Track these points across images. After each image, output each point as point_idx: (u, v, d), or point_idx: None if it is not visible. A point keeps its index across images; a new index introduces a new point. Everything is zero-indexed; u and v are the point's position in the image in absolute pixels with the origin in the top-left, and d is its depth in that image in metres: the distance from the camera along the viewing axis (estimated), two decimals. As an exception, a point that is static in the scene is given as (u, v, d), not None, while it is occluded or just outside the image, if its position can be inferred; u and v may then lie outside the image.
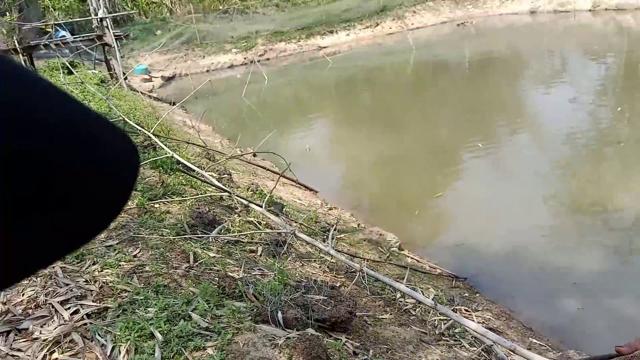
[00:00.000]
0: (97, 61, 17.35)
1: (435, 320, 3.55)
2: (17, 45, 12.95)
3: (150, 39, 22.70)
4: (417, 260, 5.15)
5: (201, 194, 5.15)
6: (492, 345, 3.14)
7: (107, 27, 14.99)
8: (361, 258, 4.59)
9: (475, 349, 3.18)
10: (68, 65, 12.56)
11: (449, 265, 5.11)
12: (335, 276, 4.02)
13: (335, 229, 4.82)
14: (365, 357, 2.83)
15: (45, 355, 2.61)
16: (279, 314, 2.83)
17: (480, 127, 9.54)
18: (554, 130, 8.59)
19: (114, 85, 12.75)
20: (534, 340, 3.68)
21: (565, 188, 6.59)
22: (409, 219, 6.27)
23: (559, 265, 4.67)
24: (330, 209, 6.68)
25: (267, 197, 4.98)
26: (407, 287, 3.63)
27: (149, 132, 6.33)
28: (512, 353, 3.22)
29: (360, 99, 14.41)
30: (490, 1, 23.75)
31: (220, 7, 24.67)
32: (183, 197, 4.78)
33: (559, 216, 5.85)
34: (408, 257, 5.19)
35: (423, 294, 3.76)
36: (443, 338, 3.30)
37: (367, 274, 3.80)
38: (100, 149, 0.42)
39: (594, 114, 9.17)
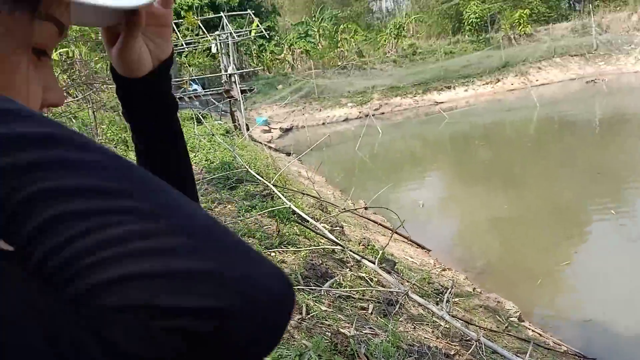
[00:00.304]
0: (222, 112, 18.74)
1: (562, 406, 3.20)
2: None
3: (272, 93, 24.18)
4: (540, 334, 4.73)
5: (314, 245, 5.22)
6: None
7: (234, 82, 16.23)
8: (477, 326, 4.32)
9: None
10: (200, 116, 13.70)
11: (575, 342, 4.63)
12: (449, 343, 3.80)
13: (450, 293, 4.61)
14: None
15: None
16: (390, 380, 2.72)
17: (612, 191, 8.78)
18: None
19: (238, 135, 13.64)
20: None
21: None
22: (531, 287, 5.82)
23: None
24: (444, 269, 6.43)
25: (379, 254, 4.92)
26: (531, 364, 3.33)
27: (269, 182, 6.62)
28: None
29: (477, 155, 14.00)
30: (624, 58, 22.28)
31: (339, 63, 25.72)
32: (297, 247, 4.87)
33: None
34: (529, 329, 4.79)
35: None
36: None
37: (484, 344, 3.55)
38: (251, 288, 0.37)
39: None
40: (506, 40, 25.22)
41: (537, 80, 22.20)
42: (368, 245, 5.86)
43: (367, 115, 20.52)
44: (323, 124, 21.82)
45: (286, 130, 21.01)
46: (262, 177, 7.28)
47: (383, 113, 22.21)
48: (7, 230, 0.36)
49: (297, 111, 22.68)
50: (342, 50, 28.04)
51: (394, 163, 14.61)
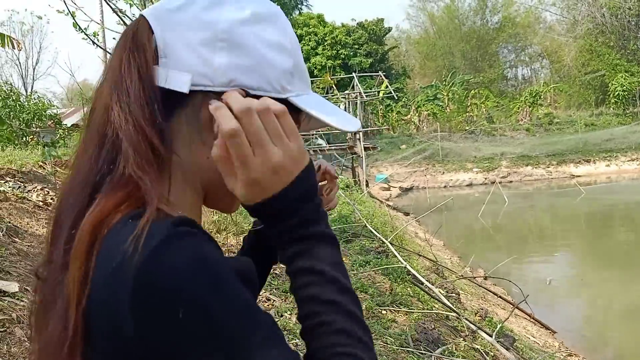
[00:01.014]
0: (344, 167, 19.15)
1: None
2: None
3: (395, 152, 24.32)
4: None
5: (427, 309, 5.00)
6: None
7: (358, 139, 16.60)
8: None
9: None
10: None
11: None
12: None
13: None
14: None
15: None
16: None
17: None
18: None
19: (357, 190, 13.79)
20: None
21: None
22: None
23: None
24: (570, 354, 5.79)
25: (498, 327, 4.56)
26: None
27: (386, 239, 6.55)
28: None
29: (616, 235, 12.70)
30: None
31: (467, 128, 25.28)
32: (410, 308, 4.69)
33: None
34: None
35: None
36: None
37: None
38: None
39: None
40: (656, 115, 23.16)
41: (691, 160, 19.97)
42: (485, 316, 5.48)
43: (494, 182, 19.73)
44: (445, 186, 21.36)
45: (406, 190, 20.86)
46: (379, 233, 7.22)
47: (511, 182, 21.22)
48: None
49: (419, 172, 22.50)
50: (470, 115, 27.61)
51: (519, 235, 13.75)
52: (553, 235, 13.59)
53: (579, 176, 19.89)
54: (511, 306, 7.11)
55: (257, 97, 0.65)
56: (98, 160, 0.64)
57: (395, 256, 6.16)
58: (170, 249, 0.54)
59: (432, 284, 5.94)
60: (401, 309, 4.55)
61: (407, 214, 14.68)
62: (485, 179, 21.27)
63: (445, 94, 28.68)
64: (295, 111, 0.70)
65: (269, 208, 0.64)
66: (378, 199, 15.82)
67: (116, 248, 0.55)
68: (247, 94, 0.66)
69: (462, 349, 4.40)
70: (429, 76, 37.64)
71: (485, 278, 8.76)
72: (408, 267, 5.63)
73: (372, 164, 22.84)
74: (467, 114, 27.82)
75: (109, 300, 0.55)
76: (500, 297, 7.13)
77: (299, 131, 0.70)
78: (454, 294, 6.09)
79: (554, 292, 8.61)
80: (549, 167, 21.20)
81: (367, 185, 16.61)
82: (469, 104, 28.40)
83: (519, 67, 46.88)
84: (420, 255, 7.47)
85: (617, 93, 24.34)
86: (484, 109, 28.07)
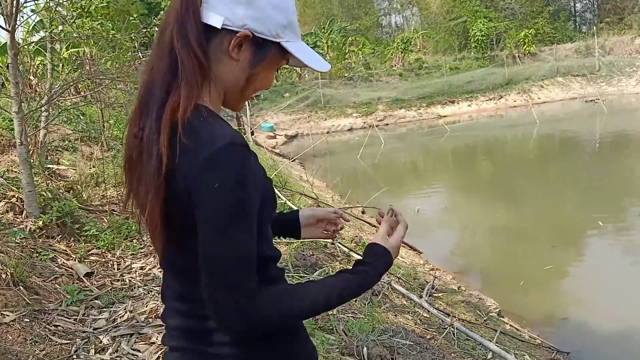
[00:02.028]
0: (229, 117, 19.07)
1: (524, 385, 3.46)
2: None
3: (278, 100, 24.53)
4: (517, 329, 4.98)
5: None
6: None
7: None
8: (454, 316, 4.59)
9: (563, 417, 3.06)
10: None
11: (550, 337, 4.88)
12: (426, 329, 4.07)
13: (431, 285, 4.89)
14: (444, 403, 2.87)
15: (159, 357, 3.02)
16: (364, 350, 3.00)
17: (606, 206, 9.02)
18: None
19: (243, 139, 13.91)
20: None
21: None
22: (514, 288, 6.08)
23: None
24: (432, 269, 6.69)
25: (368, 247, 5.19)
26: (497, 346, 3.60)
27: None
28: None
29: (477, 168, 14.28)
30: (626, 80, 22.59)
31: (346, 75, 26.11)
32: (290, 240, 5.16)
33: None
34: (507, 324, 5.05)
35: (517, 358, 3.68)
36: (530, 403, 3.22)
37: (457, 329, 3.82)
38: None
39: None
40: (510, 58, 25.60)
41: (539, 98, 22.53)
42: (359, 242, 6.14)
43: (372, 126, 20.83)
44: (328, 132, 22.15)
45: (291, 137, 21.35)
46: (263, 176, 7.57)
47: (387, 124, 22.55)
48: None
49: (302, 119, 23.04)
50: (349, 62, 28.47)
51: (394, 172, 14.90)
52: (424, 171, 14.91)
53: (445, 116, 21.70)
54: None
55: (261, 38, 1.05)
56: (168, 70, 1.02)
57: (278, 195, 6.60)
58: (232, 150, 0.95)
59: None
60: (282, 240, 5.00)
61: (292, 159, 15.18)
62: (364, 123, 22.36)
63: (324, 41, 29.18)
64: (285, 52, 1.09)
65: (376, 254, 1.18)
66: (264, 147, 16.12)
67: (198, 137, 0.97)
68: (253, 35, 1.04)
69: (337, 270, 4.99)
70: (308, 24, 37.82)
71: (364, 212, 9.58)
72: (289, 203, 6.09)
73: (257, 114, 22.93)
74: (346, 60, 28.65)
75: (187, 167, 0.96)
76: (374, 226, 7.89)
77: (286, 67, 1.20)
78: (332, 226, 6.68)
79: (423, 220, 9.66)
80: (419, 109, 22.79)
81: (252, 134, 16.79)
82: (347, 51, 29.20)
83: (392, 14, 48.72)
84: (302, 194, 7.99)
85: (476, 38, 26.46)
86: (361, 56, 29.07)
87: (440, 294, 5.34)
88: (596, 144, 15.09)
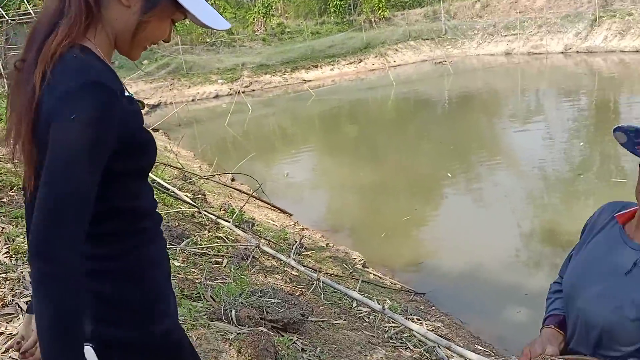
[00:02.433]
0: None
1: (386, 326, 3.76)
2: (2, 70, 13.17)
3: (137, 68, 23.02)
4: (380, 277, 5.36)
5: (173, 210, 5.35)
6: (434, 346, 3.35)
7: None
8: (323, 272, 4.80)
9: (418, 349, 3.38)
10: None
11: (409, 281, 5.33)
12: (295, 286, 4.21)
13: (299, 244, 5.04)
14: (313, 353, 3.02)
15: (8, 349, 2.77)
16: (233, 313, 3.03)
17: (455, 159, 9.91)
18: (522, 163, 9.01)
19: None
20: (479, 347, 3.89)
21: (523, 214, 6.88)
22: (376, 240, 6.51)
23: (512, 283, 4.92)
24: (302, 229, 6.90)
25: (235, 214, 5.19)
26: (360, 294, 3.85)
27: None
28: (453, 355, 3.43)
29: (342, 130, 14.81)
30: (469, 42, 24.68)
31: (208, 40, 25.26)
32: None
33: (516, 239, 6.13)
34: (371, 274, 5.40)
35: (379, 303, 3.97)
36: (390, 341, 3.51)
37: (324, 282, 4.01)
38: None
39: (561, 149, 9.58)
40: (367, 23, 26.57)
41: (394, 61, 23.79)
42: (228, 209, 6.11)
43: (238, 92, 20.52)
44: (193, 100, 21.42)
45: (153, 107, 20.29)
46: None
47: (254, 90, 22.36)
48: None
49: (164, 87, 21.97)
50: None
51: (263, 138, 14.92)
52: (292, 135, 15.12)
53: (310, 81, 22.04)
54: (259, 200, 7.99)
55: None
56: (57, 9, 1.07)
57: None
58: (94, 88, 1.01)
59: (180, 189, 6.29)
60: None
61: (155, 130, 14.47)
62: (230, 89, 21.95)
63: (182, 5, 27.73)
64: (178, 4, 1.13)
65: None
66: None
67: (66, 72, 1.01)
68: None
69: (206, 239, 4.93)
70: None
71: (233, 180, 9.52)
72: (152, 175, 5.84)
73: (113, 83, 21.31)
74: (207, 25, 27.55)
75: (49, 99, 1.01)
76: (244, 192, 7.89)
77: (184, 22, 1.23)
78: (200, 195, 6.56)
79: (292, 183, 9.86)
80: (284, 74, 22.89)
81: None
82: (207, 15, 28.06)
83: (252, -23, 47.69)
84: (167, 165, 7.71)
85: (335, 2, 27.04)
86: (222, 20, 28.11)
87: (309, 252, 5.54)
88: (445, 103, 16.40)
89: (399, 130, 13.41)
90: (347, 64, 23.62)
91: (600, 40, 20.31)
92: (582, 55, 20.30)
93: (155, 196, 1.34)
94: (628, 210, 1.44)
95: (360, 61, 23.71)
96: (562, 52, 21.15)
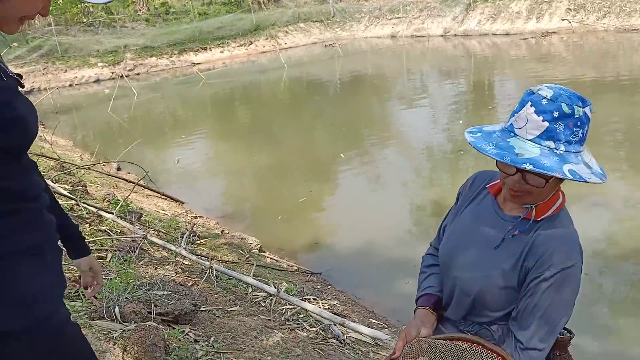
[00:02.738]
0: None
1: (283, 309, 3.73)
2: None
3: (5, 51, 20.89)
4: (276, 260, 5.32)
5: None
6: (330, 324, 3.38)
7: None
8: (217, 260, 4.66)
9: (314, 329, 3.39)
10: None
11: (306, 263, 5.35)
12: (188, 276, 4.04)
13: (190, 232, 4.85)
14: (206, 342, 2.90)
15: None
16: (116, 309, 2.82)
17: (349, 140, 10.10)
18: (411, 142, 9.42)
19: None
20: (374, 321, 4.00)
21: (413, 191, 7.21)
22: (273, 224, 6.46)
23: (403, 256, 5.11)
24: (195, 217, 6.66)
25: (119, 205, 4.86)
26: (255, 280, 3.78)
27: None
28: (348, 331, 3.49)
29: (236, 114, 14.52)
30: (357, 25, 25.25)
31: (84, 20, 23.47)
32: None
33: (407, 214, 6.40)
34: (268, 257, 5.35)
35: (275, 287, 3.92)
36: (287, 323, 3.48)
37: (217, 270, 3.89)
38: None
39: (444, 128, 10.13)
40: (256, 4, 26.21)
41: (285, 44, 23.74)
42: (112, 200, 5.72)
43: (121, 76, 19.36)
44: (70, 85, 19.88)
45: (26, 93, 18.51)
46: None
47: (139, 74, 21.21)
48: None
49: (37, 72, 20.13)
50: (87, 6, 25.54)
51: (152, 124, 14.22)
52: (184, 120, 14.54)
53: (199, 63, 21.35)
54: (147, 189, 7.58)
55: None
56: None
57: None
58: None
59: (55, 182, 5.78)
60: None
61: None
62: (113, 73, 20.65)
63: (53, -19, 25.49)
64: None
65: None
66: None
67: None
68: None
69: (87, 232, 4.57)
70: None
71: (119, 168, 8.95)
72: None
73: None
74: (83, 4, 25.64)
75: None
76: (130, 181, 7.45)
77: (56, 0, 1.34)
78: (80, 187, 6.08)
79: (183, 169, 9.49)
80: (171, 57, 21.94)
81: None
82: (83, -7, 26.11)
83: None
84: (41, 156, 7.05)
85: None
86: (100, -1, 26.25)
87: (203, 240, 5.36)
88: (337, 85, 16.66)
89: (292, 113, 13.42)
90: (238, 46, 23.17)
91: (475, 23, 21.74)
92: (460, 38, 21.61)
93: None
94: (497, 181, 1.49)
95: (251, 43, 23.37)
96: (442, 35, 22.36)
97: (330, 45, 22.98)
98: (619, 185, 6.42)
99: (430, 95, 13.44)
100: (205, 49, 22.55)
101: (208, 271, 3.84)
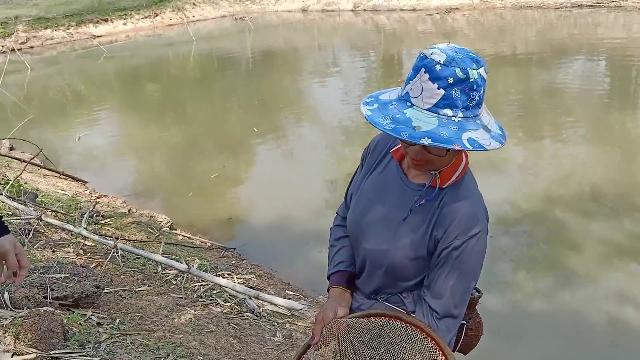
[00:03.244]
0: None
1: (195, 285, 3.61)
2: None
3: None
4: (189, 237, 5.16)
5: None
6: (244, 298, 3.31)
7: None
8: (125, 239, 4.42)
9: (228, 304, 3.32)
10: None
11: (220, 238, 5.23)
12: (90, 258, 3.80)
13: (92, 212, 4.56)
14: (111, 325, 2.74)
15: None
16: (6, 295, 2.58)
17: (262, 115, 9.93)
18: (324, 116, 9.44)
19: None
20: (290, 292, 3.99)
21: (326, 164, 7.24)
22: (184, 200, 6.24)
23: (317, 228, 5.11)
24: (100, 197, 6.29)
25: (8, 185, 4.46)
26: (164, 257, 3.62)
27: None
28: (264, 303, 3.45)
29: (143, 89, 13.79)
30: (267, -2, 24.81)
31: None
32: None
33: (321, 187, 6.42)
34: (179, 235, 5.17)
35: (188, 264, 3.78)
36: (200, 300, 3.38)
37: (123, 250, 3.68)
38: None
39: (356, 102, 10.23)
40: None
41: (193, 16, 22.82)
42: (3, 180, 5.24)
43: (12, 50, 17.76)
44: (-48, 60, 17.91)
45: None
46: None
47: (32, 47, 19.54)
48: None
49: None
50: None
51: (49, 100, 13.19)
52: (86, 96, 13.62)
53: (100, 36, 20.02)
54: (45, 168, 7.03)
55: None
56: None
57: None
58: None
59: None
60: None
61: None
62: (3, 46, 18.88)
63: None
64: None
65: None
66: None
67: None
68: None
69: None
70: None
71: (12, 148, 8.24)
72: None
73: None
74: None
75: None
76: (24, 161, 6.86)
77: None
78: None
79: (85, 147, 8.91)
80: (69, 29, 20.36)
81: None
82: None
83: None
84: None
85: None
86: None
87: (108, 220, 5.07)
88: (249, 60, 16.31)
89: (203, 88, 12.98)
90: (142, 19, 21.94)
91: (384, -1, 22.10)
92: (369, 13, 21.88)
93: None
94: (400, 145, 1.46)
95: (156, 15, 22.21)
96: (352, 10, 22.51)
97: (240, 18, 22.41)
98: (516, 152, 6.84)
99: (341, 69, 13.52)
100: (106, 20, 21.14)
101: (112, 251, 3.62)
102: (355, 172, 1.62)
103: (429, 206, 1.36)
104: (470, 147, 1.17)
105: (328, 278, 1.58)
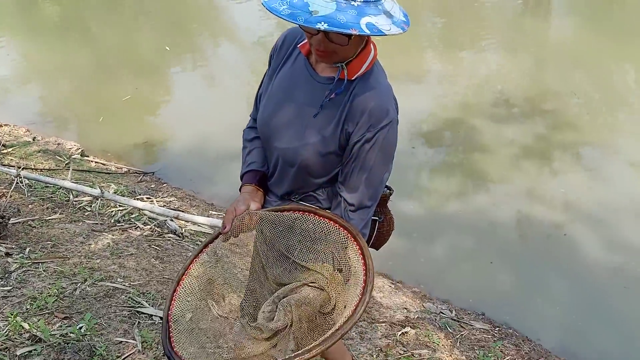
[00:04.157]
0: None
1: (112, 211, 3.47)
2: None
3: None
4: (103, 164, 4.91)
5: None
6: (165, 220, 3.24)
7: None
8: (31, 168, 4.14)
9: (148, 226, 3.23)
10: None
11: (137, 163, 5.02)
12: (-10, 190, 3.53)
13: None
14: (21, 255, 2.60)
15: None
16: None
17: (175, 33, 9.34)
18: (243, 35, 9.04)
19: None
20: (214, 212, 3.95)
21: (245, 84, 6.99)
22: (94, 125, 5.87)
23: (236, 146, 5.01)
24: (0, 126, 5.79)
25: None
26: (75, 183, 3.43)
27: None
28: (187, 224, 3.39)
29: (41, 11, 12.46)
30: None
31: None
32: None
33: (240, 106, 6.22)
34: (92, 162, 4.90)
35: (101, 189, 3.60)
36: (118, 224, 3.27)
37: (27, 178, 3.44)
38: None
39: (277, 22, 9.81)
40: None
41: None
42: None
43: None
44: None
45: None
46: None
47: None
48: None
49: None
50: None
51: None
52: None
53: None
54: None
55: None
56: None
57: None
58: None
59: None
60: None
61: None
62: None
63: None
64: None
65: None
66: None
67: None
68: None
69: None
70: None
71: None
72: None
73: None
74: None
75: None
76: None
77: None
78: None
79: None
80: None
81: None
82: None
83: None
84: None
85: None
86: None
87: (10, 150, 4.71)
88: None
89: (108, 6, 11.93)
90: None
91: None
92: None
93: None
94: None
95: None
96: None
97: None
98: (435, 62, 6.93)
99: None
100: None
101: (16, 179, 3.38)
102: (265, 74, 1.54)
103: (339, 100, 1.32)
104: (369, 32, 1.13)
105: (241, 178, 1.54)
